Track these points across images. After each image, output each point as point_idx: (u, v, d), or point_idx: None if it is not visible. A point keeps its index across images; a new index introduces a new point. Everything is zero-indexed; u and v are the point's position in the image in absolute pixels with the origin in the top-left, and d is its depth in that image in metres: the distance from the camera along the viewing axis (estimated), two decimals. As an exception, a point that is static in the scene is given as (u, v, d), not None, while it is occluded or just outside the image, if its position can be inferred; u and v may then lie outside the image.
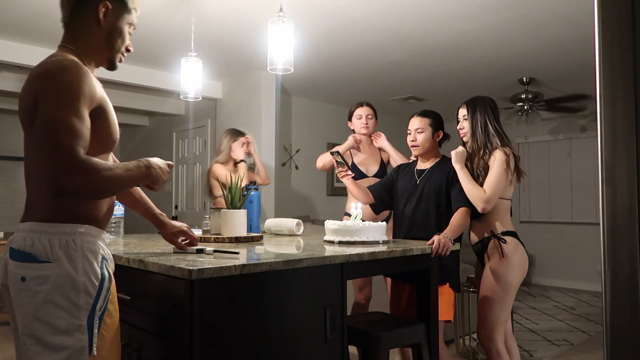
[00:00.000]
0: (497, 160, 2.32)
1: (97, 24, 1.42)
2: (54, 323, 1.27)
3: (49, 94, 1.26)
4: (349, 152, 3.16)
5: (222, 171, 3.77)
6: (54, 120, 1.23)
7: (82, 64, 1.35)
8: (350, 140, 3.14)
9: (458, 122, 2.53)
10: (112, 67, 1.51)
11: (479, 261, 2.53)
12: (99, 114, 1.35)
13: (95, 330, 1.33)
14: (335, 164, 2.54)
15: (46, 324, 1.26)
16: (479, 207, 2.30)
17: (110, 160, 1.51)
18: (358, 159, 3.15)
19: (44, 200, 1.32)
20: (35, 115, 1.27)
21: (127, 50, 1.52)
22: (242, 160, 3.85)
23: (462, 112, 2.49)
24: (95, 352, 1.32)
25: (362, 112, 3.15)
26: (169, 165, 1.54)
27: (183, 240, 1.79)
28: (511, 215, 2.49)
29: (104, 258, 1.38)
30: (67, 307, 1.28)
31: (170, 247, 1.85)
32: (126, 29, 1.49)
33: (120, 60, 1.52)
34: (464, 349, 3.64)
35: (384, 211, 2.78)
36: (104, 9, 1.42)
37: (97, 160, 1.27)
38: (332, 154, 2.53)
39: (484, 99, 2.47)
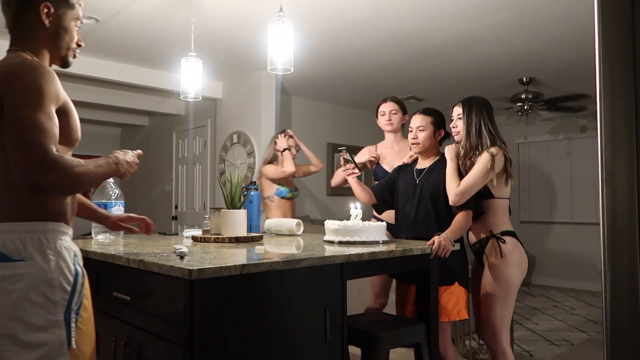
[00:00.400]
0: (481, 159, 2.32)
1: (42, 25, 1.42)
2: (31, 320, 1.28)
3: (16, 93, 1.27)
4: (375, 149, 3.09)
5: (271, 168, 3.78)
6: (24, 118, 1.25)
7: (45, 64, 1.37)
8: (365, 157, 3.06)
9: (451, 120, 2.51)
10: (65, 65, 1.51)
11: (478, 261, 2.53)
12: (63, 112, 1.38)
13: (73, 325, 1.34)
14: (342, 161, 2.53)
15: (22, 322, 1.27)
16: (450, 200, 2.32)
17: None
18: (384, 158, 3.06)
19: (10, 200, 1.33)
20: (0, 115, 1.28)
21: (79, 45, 1.52)
22: (285, 149, 3.78)
23: (457, 110, 2.47)
24: (74, 346, 1.34)
25: (385, 108, 3.06)
26: (138, 155, 1.59)
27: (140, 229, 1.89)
28: (510, 214, 2.49)
29: (75, 254, 1.40)
30: (43, 303, 1.29)
31: (169, 248, 1.85)
32: (73, 25, 1.49)
33: (74, 57, 1.52)
34: (464, 349, 3.64)
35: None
36: (46, 10, 1.41)
37: (68, 157, 1.30)
38: (339, 150, 2.53)
39: (480, 100, 2.46)
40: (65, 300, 1.33)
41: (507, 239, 2.37)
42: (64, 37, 1.46)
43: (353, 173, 2.51)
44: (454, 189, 2.30)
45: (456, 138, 2.49)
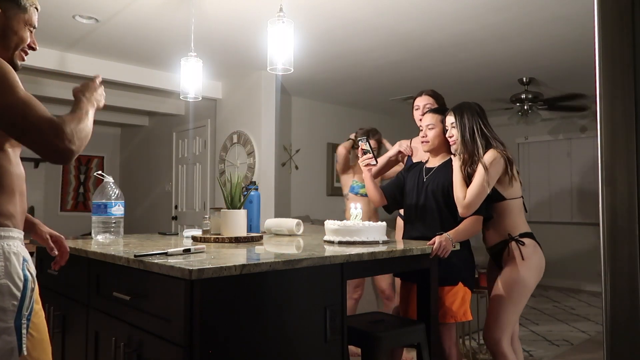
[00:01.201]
0: (479, 169, 2.30)
1: None
2: None
3: None
4: (409, 146, 2.95)
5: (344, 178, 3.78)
6: (17, 103, 1.26)
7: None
8: (393, 152, 2.97)
9: (446, 130, 2.46)
10: (13, 67, 1.48)
11: (495, 264, 2.51)
12: None
13: (24, 331, 1.33)
14: (359, 152, 2.50)
15: None
16: (459, 212, 2.31)
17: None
18: (417, 152, 2.93)
19: None
20: None
21: (32, 48, 1.52)
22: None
23: (450, 119, 2.43)
24: (25, 352, 1.33)
25: (419, 102, 2.85)
26: (98, 80, 1.59)
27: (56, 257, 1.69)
28: (526, 211, 2.47)
29: (24, 259, 1.39)
30: None
31: (169, 248, 1.85)
32: (23, 27, 1.48)
33: (23, 59, 1.52)
34: (464, 349, 3.64)
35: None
36: None
37: (62, 117, 1.32)
38: (359, 140, 2.49)
39: (470, 104, 2.43)
40: (15, 306, 1.32)
41: (526, 241, 2.35)
42: (11, 38, 1.45)
43: (370, 164, 2.49)
44: (461, 200, 2.29)
45: (453, 147, 2.42)
